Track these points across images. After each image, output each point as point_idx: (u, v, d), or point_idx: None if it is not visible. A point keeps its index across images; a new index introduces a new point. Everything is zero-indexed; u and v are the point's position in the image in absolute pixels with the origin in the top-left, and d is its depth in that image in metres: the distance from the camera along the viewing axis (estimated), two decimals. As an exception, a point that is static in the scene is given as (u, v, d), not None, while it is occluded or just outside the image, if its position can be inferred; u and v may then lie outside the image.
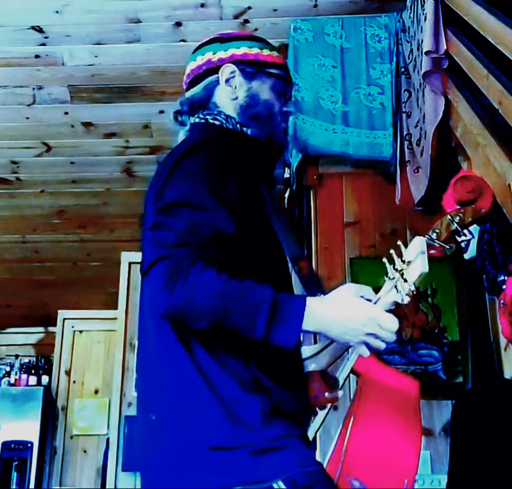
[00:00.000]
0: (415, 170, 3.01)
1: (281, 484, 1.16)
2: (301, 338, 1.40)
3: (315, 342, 1.46)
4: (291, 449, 1.20)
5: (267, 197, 1.39)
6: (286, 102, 1.54)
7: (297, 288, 1.44)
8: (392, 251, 1.24)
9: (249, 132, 1.46)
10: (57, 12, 3.41)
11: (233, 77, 1.49)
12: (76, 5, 3.38)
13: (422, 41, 2.62)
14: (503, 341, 2.75)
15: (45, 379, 5.35)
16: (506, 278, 2.08)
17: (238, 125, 1.46)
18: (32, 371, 5.38)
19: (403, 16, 3.28)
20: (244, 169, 1.35)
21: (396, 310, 1.24)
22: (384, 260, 1.25)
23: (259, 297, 1.17)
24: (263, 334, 1.16)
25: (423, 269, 1.20)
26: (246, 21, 3.48)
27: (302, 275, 1.42)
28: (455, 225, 1.77)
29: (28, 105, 4.02)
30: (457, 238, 1.81)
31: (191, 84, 1.54)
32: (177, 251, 1.18)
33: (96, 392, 5.28)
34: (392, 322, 1.21)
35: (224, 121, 1.46)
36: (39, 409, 5.10)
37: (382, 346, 1.23)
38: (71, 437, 5.15)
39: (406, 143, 3.12)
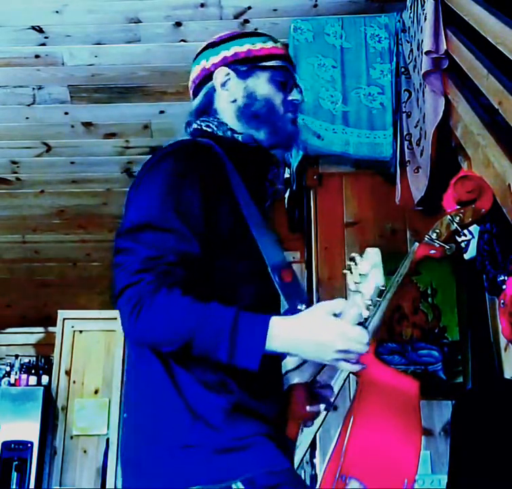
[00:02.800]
0: (415, 170, 3.01)
1: (240, 485, 1.16)
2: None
3: None
4: (255, 449, 1.19)
5: (247, 208, 1.35)
6: (290, 91, 1.50)
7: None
8: (349, 262, 1.22)
9: (240, 138, 1.45)
10: (57, 12, 3.41)
11: (229, 79, 1.48)
12: (76, 5, 3.38)
13: (422, 41, 2.62)
14: (503, 341, 2.75)
15: (45, 379, 5.35)
16: (506, 278, 2.09)
17: (229, 132, 1.45)
18: (32, 371, 5.38)
19: (403, 16, 3.28)
20: (216, 181, 1.32)
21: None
22: (345, 271, 1.22)
23: (220, 320, 1.17)
24: (227, 358, 1.16)
25: (377, 282, 1.17)
26: (246, 21, 3.48)
27: (283, 284, 1.37)
28: (455, 225, 1.77)
29: (28, 105, 4.02)
30: (457, 238, 1.81)
31: (194, 94, 1.56)
32: (141, 278, 1.18)
33: (96, 392, 5.27)
34: (361, 335, 1.18)
35: (215, 128, 1.45)
36: (39, 409, 5.09)
37: (355, 363, 1.21)
38: (71, 437, 5.15)
39: (406, 143, 3.12)
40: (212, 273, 1.27)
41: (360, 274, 1.19)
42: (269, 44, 1.51)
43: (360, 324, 1.19)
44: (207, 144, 1.38)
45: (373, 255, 1.20)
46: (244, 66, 1.48)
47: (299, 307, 1.36)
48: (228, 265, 1.30)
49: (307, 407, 1.44)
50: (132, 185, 1.35)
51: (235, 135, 1.45)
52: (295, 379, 1.44)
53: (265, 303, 1.30)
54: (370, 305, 1.18)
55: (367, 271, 1.18)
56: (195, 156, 1.33)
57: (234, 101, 1.47)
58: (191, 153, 1.34)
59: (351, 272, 1.20)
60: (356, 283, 1.19)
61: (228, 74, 1.48)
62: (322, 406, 1.46)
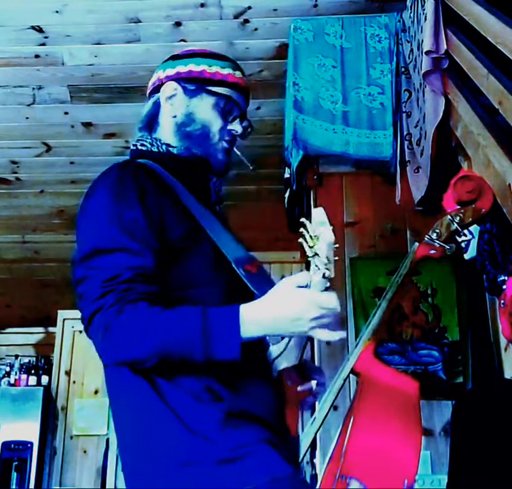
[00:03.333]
0: (416, 170, 3.01)
1: None
2: (267, 339, 1.41)
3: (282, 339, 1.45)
4: (255, 457, 1.19)
5: (195, 209, 1.37)
6: (232, 121, 1.50)
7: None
8: (301, 229, 1.21)
9: (175, 151, 1.46)
10: (57, 12, 3.41)
11: (175, 95, 1.49)
12: (76, 5, 3.38)
13: (422, 40, 2.62)
14: (503, 341, 2.75)
15: (45, 379, 5.34)
16: (506, 278, 2.08)
17: (164, 146, 1.46)
18: (32, 371, 5.37)
19: (403, 16, 3.28)
20: (156, 193, 1.33)
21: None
22: (300, 240, 1.21)
23: (189, 320, 1.18)
24: (203, 355, 1.17)
25: (329, 239, 1.17)
26: (246, 21, 3.48)
27: (251, 276, 1.38)
28: (455, 225, 1.77)
29: (28, 105, 4.02)
30: (457, 238, 1.81)
31: (149, 97, 1.57)
32: (103, 303, 1.19)
33: (96, 392, 5.27)
34: (331, 299, 1.19)
35: (149, 146, 1.47)
36: (39, 409, 5.09)
37: (332, 330, 1.21)
38: (71, 437, 5.14)
39: (406, 143, 3.12)
40: (176, 280, 1.29)
41: (311, 237, 1.19)
42: (227, 70, 1.50)
43: (327, 289, 1.20)
44: (142, 162, 1.40)
45: (318, 215, 1.20)
46: (193, 85, 1.48)
47: None
48: (190, 269, 1.31)
49: (299, 387, 1.44)
50: (78, 211, 1.36)
51: (170, 148, 1.47)
52: (283, 364, 1.45)
53: (236, 299, 1.28)
54: (328, 263, 1.17)
55: (318, 232, 1.18)
56: (129, 174, 1.34)
57: (174, 117, 1.49)
58: (125, 172, 1.35)
59: (304, 240, 1.20)
60: (310, 247, 1.19)
61: (176, 89, 1.49)
62: (313, 383, 1.45)
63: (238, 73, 1.52)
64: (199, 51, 1.54)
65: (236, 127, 1.50)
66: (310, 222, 1.20)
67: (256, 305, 1.22)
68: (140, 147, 1.49)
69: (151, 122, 1.53)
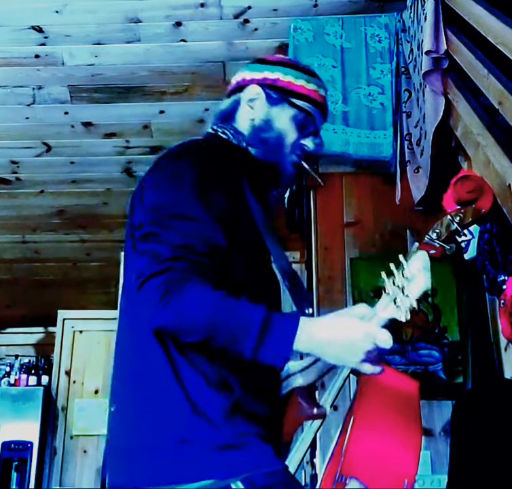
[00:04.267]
0: (416, 170, 3.01)
1: (240, 484, 1.15)
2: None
3: (301, 358, 1.45)
4: (252, 448, 1.19)
5: (256, 212, 1.38)
6: (306, 136, 1.52)
7: (287, 303, 1.44)
8: (391, 265, 1.21)
9: (253, 151, 1.47)
10: (57, 12, 3.41)
11: (257, 98, 1.49)
12: (76, 5, 3.38)
13: (422, 40, 2.62)
14: (503, 341, 2.75)
15: (45, 379, 5.35)
16: (506, 278, 2.08)
17: (244, 143, 1.47)
18: (32, 371, 5.38)
19: (403, 16, 3.28)
20: (233, 181, 1.35)
21: (391, 325, 1.22)
22: (383, 275, 1.21)
23: (250, 317, 1.17)
24: (252, 352, 1.16)
25: (426, 285, 1.17)
26: (246, 21, 3.48)
27: (291, 287, 1.40)
28: (455, 225, 1.77)
29: (28, 105, 4.02)
30: (457, 238, 1.81)
31: (228, 96, 1.57)
32: (172, 266, 1.18)
33: (96, 392, 5.27)
34: (386, 338, 1.19)
35: (231, 136, 1.48)
36: (39, 409, 5.09)
37: (376, 364, 1.22)
38: (71, 437, 5.15)
39: (406, 143, 3.13)
40: (231, 269, 1.28)
41: (403, 276, 1.18)
42: (312, 86, 1.52)
43: (386, 327, 1.20)
44: (227, 148, 1.42)
45: (422, 259, 1.20)
46: (277, 94, 1.49)
47: (306, 310, 1.38)
48: (241, 262, 1.31)
49: (315, 410, 1.44)
50: (153, 170, 1.36)
51: (249, 148, 1.48)
52: (299, 381, 1.44)
53: (270, 302, 1.28)
54: (413, 308, 1.17)
55: (414, 273, 1.18)
56: (219, 155, 1.36)
57: (252, 119, 1.49)
58: (215, 151, 1.37)
59: (391, 276, 1.19)
60: (397, 286, 1.18)
61: (258, 93, 1.50)
62: (327, 409, 1.47)
63: (322, 91, 1.54)
64: (288, 61, 1.57)
65: (309, 143, 1.52)
66: (406, 261, 1.19)
67: (314, 323, 1.21)
68: (221, 134, 1.48)
69: (224, 118, 1.53)
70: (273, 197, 1.52)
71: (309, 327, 1.19)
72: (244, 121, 1.50)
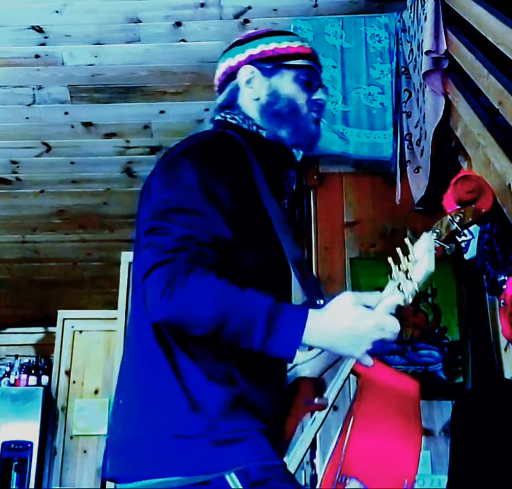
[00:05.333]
0: (416, 170, 3.01)
1: (233, 476, 1.15)
2: None
3: (309, 349, 1.45)
4: (249, 442, 1.18)
5: (269, 203, 1.36)
6: (315, 91, 1.51)
7: (297, 291, 1.43)
8: (398, 249, 1.20)
9: (264, 134, 1.45)
10: (57, 12, 3.41)
11: (253, 77, 1.48)
12: (76, 5, 3.38)
13: (422, 40, 2.62)
14: (503, 341, 2.75)
15: (45, 379, 5.35)
16: (506, 278, 2.08)
17: (254, 127, 1.45)
18: (32, 371, 5.38)
19: (403, 16, 3.28)
20: (240, 175, 1.33)
21: (398, 311, 1.22)
22: (389, 259, 1.20)
23: (257, 307, 1.15)
24: (260, 344, 1.15)
25: (429, 267, 1.16)
26: (246, 21, 3.48)
27: (302, 278, 1.38)
28: (455, 225, 1.77)
29: (28, 105, 4.02)
30: (457, 238, 1.81)
31: (219, 91, 1.56)
32: (175, 256, 1.16)
33: (96, 392, 5.27)
34: (395, 325, 1.18)
35: (241, 121, 1.45)
36: (39, 409, 5.10)
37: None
38: (71, 437, 5.15)
39: (406, 143, 3.13)
40: (237, 261, 1.27)
41: (409, 260, 1.17)
42: (296, 43, 1.51)
43: (393, 314, 1.19)
44: (232, 135, 1.39)
45: (427, 241, 1.19)
46: (270, 64, 1.47)
47: (318, 301, 1.36)
48: (249, 254, 1.29)
49: (315, 400, 1.43)
50: (160, 164, 1.35)
51: (260, 131, 1.45)
52: (305, 371, 1.44)
53: (280, 294, 1.27)
54: (416, 291, 1.16)
55: (420, 256, 1.17)
56: (223, 146, 1.34)
57: (257, 99, 1.47)
58: (219, 142, 1.35)
59: (397, 260, 1.18)
60: (402, 270, 1.17)
61: (253, 72, 1.48)
62: (329, 400, 1.46)
63: (306, 44, 1.53)
64: (263, 32, 1.54)
65: (321, 96, 1.51)
66: (412, 244, 1.18)
67: (323, 315, 1.20)
68: (229, 120, 1.46)
69: (230, 106, 1.51)
70: (291, 178, 1.50)
71: (318, 319, 1.18)
72: (250, 104, 1.48)
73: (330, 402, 1.63)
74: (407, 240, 1.21)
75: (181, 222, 1.21)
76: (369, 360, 1.22)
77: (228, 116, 1.47)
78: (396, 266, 1.20)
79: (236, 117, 1.46)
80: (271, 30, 1.55)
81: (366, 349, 1.20)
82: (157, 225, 1.23)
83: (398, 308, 1.20)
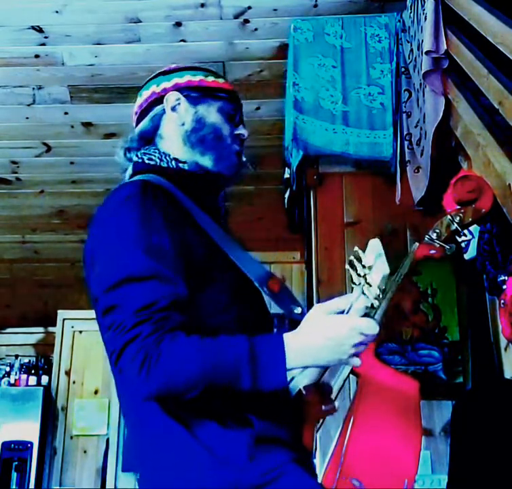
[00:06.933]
0: (416, 170, 3.01)
1: None
2: None
3: None
4: (287, 478, 1.17)
5: (213, 233, 1.35)
6: (237, 126, 1.52)
7: (274, 308, 1.43)
8: (351, 257, 1.22)
9: (186, 167, 1.44)
10: (57, 12, 3.41)
11: (179, 103, 1.48)
12: (76, 5, 3.38)
13: (422, 40, 2.62)
14: (503, 341, 2.75)
15: (45, 379, 5.34)
16: (506, 278, 2.09)
17: (173, 162, 1.44)
18: (32, 371, 5.38)
19: (403, 16, 3.28)
20: (178, 217, 1.30)
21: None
22: (347, 266, 1.22)
23: (236, 352, 1.15)
24: (252, 386, 1.14)
25: (384, 271, 1.18)
26: (246, 21, 3.48)
27: (274, 294, 1.37)
28: (455, 225, 1.77)
29: (28, 105, 4.02)
30: (457, 238, 1.81)
31: (139, 119, 1.55)
32: (140, 331, 1.13)
33: (96, 392, 5.27)
34: (372, 326, 1.19)
35: (158, 161, 1.45)
36: (39, 409, 5.09)
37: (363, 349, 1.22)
38: (71, 437, 5.15)
39: (406, 143, 3.13)
40: (200, 306, 1.25)
41: (364, 267, 1.20)
42: (221, 80, 1.54)
43: (366, 315, 1.21)
44: (156, 181, 1.35)
45: (375, 246, 1.22)
46: (196, 93, 1.49)
47: (295, 311, 1.36)
48: (213, 294, 1.29)
49: (323, 407, 1.44)
50: (93, 234, 1.35)
51: (180, 164, 1.45)
52: (304, 381, 1.43)
53: (258, 319, 1.29)
54: (379, 295, 1.18)
55: (372, 262, 1.19)
56: (151, 197, 1.30)
57: (182, 124, 1.47)
58: (146, 196, 1.30)
59: (354, 267, 1.21)
60: (360, 276, 1.20)
61: (178, 99, 1.48)
62: (336, 403, 1.46)
63: (228, 82, 1.55)
64: (186, 66, 1.55)
65: (242, 131, 1.52)
66: (362, 251, 1.21)
67: (297, 336, 1.20)
68: (147, 161, 1.46)
69: (146, 140, 1.51)
70: (221, 199, 1.51)
71: (294, 341, 1.19)
72: (174, 131, 1.48)
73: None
74: (356, 248, 1.24)
75: (133, 294, 1.17)
76: (356, 361, 1.23)
77: (145, 157, 1.47)
78: (355, 272, 1.21)
79: (153, 157, 1.46)
80: (195, 65, 1.57)
81: (350, 353, 1.20)
82: (111, 303, 1.19)
83: (371, 308, 1.21)
